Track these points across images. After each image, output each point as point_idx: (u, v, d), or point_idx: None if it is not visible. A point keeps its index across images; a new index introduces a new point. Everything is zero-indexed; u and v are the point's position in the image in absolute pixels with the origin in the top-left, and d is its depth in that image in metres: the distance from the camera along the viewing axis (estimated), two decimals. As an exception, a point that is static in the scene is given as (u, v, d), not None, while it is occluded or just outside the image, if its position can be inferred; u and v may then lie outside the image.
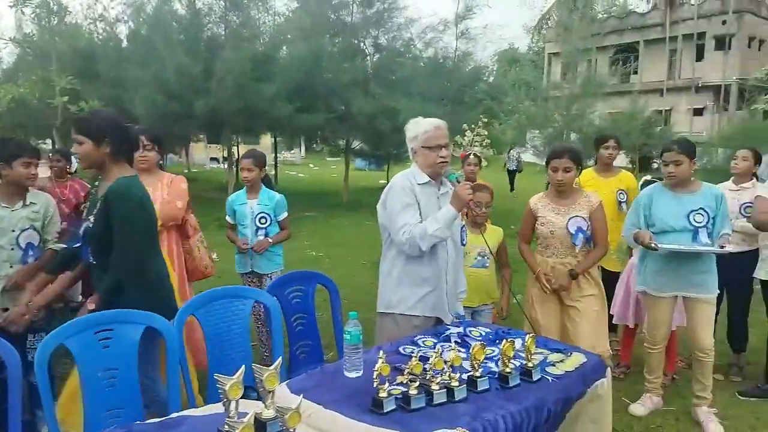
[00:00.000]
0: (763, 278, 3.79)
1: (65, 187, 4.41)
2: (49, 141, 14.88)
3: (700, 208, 3.31)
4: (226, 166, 14.47)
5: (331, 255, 8.38)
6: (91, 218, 2.51)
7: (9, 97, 8.36)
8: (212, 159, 28.27)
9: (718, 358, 3.67)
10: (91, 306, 2.43)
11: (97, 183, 2.66)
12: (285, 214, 3.99)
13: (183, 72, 11.21)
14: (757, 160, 4.22)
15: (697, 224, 3.30)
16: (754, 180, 4.18)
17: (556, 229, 3.31)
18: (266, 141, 25.86)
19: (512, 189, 17.89)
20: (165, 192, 3.32)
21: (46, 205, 3.12)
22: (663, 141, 23.52)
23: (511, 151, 18.12)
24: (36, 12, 10.78)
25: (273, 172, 18.33)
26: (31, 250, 3.01)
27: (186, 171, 22.58)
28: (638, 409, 3.57)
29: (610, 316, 3.98)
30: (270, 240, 3.87)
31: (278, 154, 21.46)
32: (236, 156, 18.09)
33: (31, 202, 3.04)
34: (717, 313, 3.68)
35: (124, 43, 14.33)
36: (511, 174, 18.44)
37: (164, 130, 11.90)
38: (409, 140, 2.83)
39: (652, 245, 3.27)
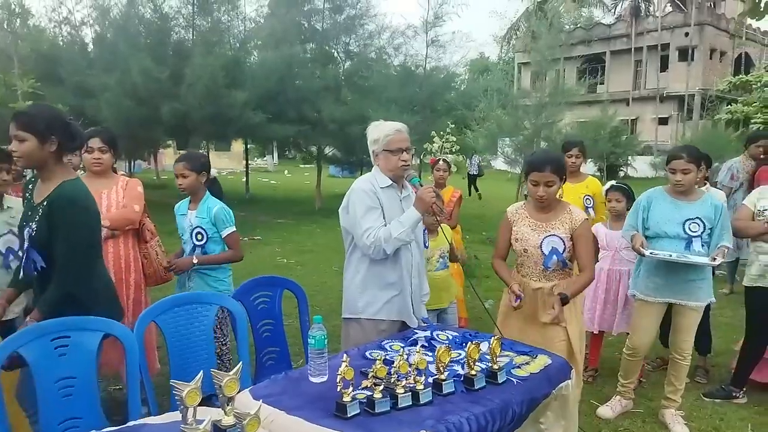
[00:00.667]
0: (746, 284, 3.80)
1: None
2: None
3: (697, 218, 3.30)
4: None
5: (303, 262, 8.31)
6: (33, 225, 2.36)
7: (-32, 100, 8.11)
8: (182, 166, 27.76)
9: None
10: (31, 324, 2.28)
11: (31, 184, 2.49)
12: (230, 229, 3.29)
13: (150, 76, 11.01)
14: (708, 165, 4.33)
15: (691, 233, 3.29)
16: (707, 185, 4.29)
17: (530, 248, 2.94)
18: (238, 147, 25.59)
19: (478, 193, 18.38)
20: (120, 196, 3.23)
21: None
22: (629, 149, 24.07)
23: (474, 157, 18.66)
24: (-4, 14, 10.53)
25: (244, 179, 18.15)
26: (11, 254, 2.90)
27: (155, 178, 22.19)
28: (606, 411, 3.60)
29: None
30: (194, 260, 3.24)
31: (251, 161, 21.25)
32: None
33: (8, 207, 2.95)
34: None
35: (90, 47, 14.04)
36: (472, 178, 19.05)
37: (130, 136, 11.69)
38: (370, 143, 2.83)
39: (642, 251, 3.27)
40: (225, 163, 31.34)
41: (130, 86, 11.17)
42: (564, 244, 2.89)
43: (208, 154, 18.58)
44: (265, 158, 35.21)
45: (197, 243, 3.28)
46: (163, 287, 3.72)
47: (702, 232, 3.31)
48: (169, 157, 29.02)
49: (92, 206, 2.45)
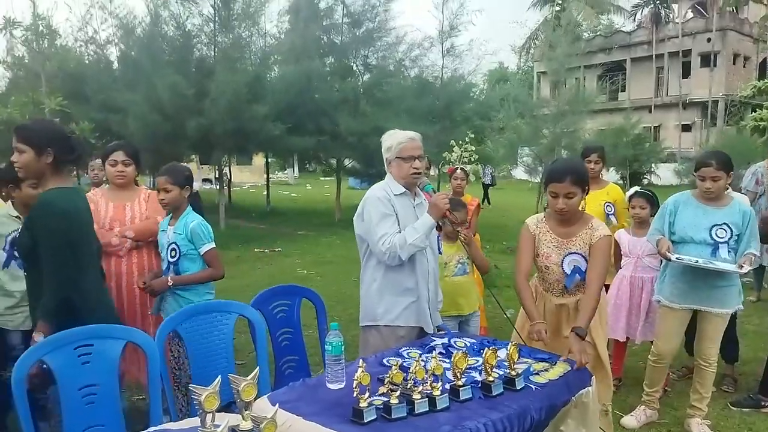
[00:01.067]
0: None
1: None
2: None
3: (724, 223, 3.25)
4: (217, 186, 14.52)
5: (322, 273, 8.35)
6: (20, 228, 2.48)
7: (-2, 118, 8.35)
8: (205, 180, 28.29)
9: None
10: (39, 338, 2.31)
11: None
12: (208, 246, 3.06)
13: (175, 92, 11.25)
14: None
15: (718, 239, 3.24)
16: (729, 189, 4.21)
17: (552, 265, 2.81)
18: (259, 161, 25.88)
19: (489, 203, 18.49)
20: (143, 207, 3.33)
21: None
22: (652, 157, 23.75)
23: (486, 166, 18.80)
24: (25, 34, 10.85)
25: (265, 192, 18.34)
26: None
27: (178, 192, 22.50)
28: (630, 421, 3.53)
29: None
30: (169, 281, 3.02)
31: (272, 175, 21.47)
32: (228, 176, 18.11)
33: None
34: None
35: (115, 65, 14.39)
36: (485, 188, 19.20)
37: (155, 150, 11.91)
38: (384, 151, 2.87)
39: (668, 255, 3.23)
40: (246, 177, 31.73)
41: (155, 102, 11.42)
42: (586, 262, 2.75)
43: (230, 167, 18.89)
44: (285, 172, 35.56)
45: (170, 260, 3.07)
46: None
47: (729, 239, 3.25)
48: (192, 171, 29.53)
49: (74, 212, 2.46)
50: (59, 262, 2.36)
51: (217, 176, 14.62)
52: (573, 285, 2.79)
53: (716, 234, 3.26)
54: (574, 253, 2.76)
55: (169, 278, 3.04)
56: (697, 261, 3.21)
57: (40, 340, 2.28)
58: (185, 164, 3.40)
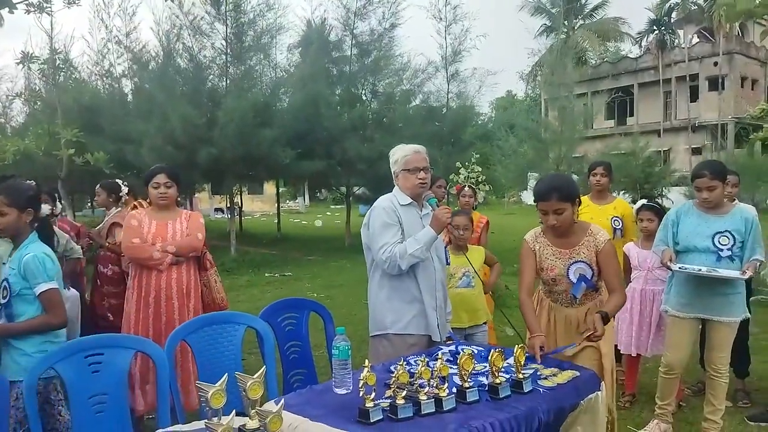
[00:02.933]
0: None
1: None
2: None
3: (726, 231, 3.27)
4: (229, 215, 14.67)
5: (332, 296, 8.36)
6: None
7: (14, 149, 8.54)
8: (217, 209, 28.57)
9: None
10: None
11: None
12: (45, 285, 2.44)
13: (187, 122, 11.46)
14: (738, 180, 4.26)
15: (721, 246, 3.26)
16: (736, 200, 4.20)
17: (558, 276, 2.80)
18: (271, 190, 26.10)
19: None
20: (184, 226, 3.44)
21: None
22: (663, 180, 23.60)
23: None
24: (42, 68, 11.15)
25: (276, 221, 18.46)
26: None
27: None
28: (644, 436, 3.48)
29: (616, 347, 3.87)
30: None
31: (283, 204, 21.63)
32: (239, 204, 18.27)
33: None
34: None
35: (129, 98, 14.72)
36: None
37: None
38: (392, 164, 2.97)
39: (669, 265, 3.24)
40: (258, 206, 32.00)
41: (168, 132, 11.63)
42: (591, 269, 2.75)
43: (241, 196, 19.07)
44: (296, 200, 35.82)
45: (1, 301, 2.48)
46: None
47: (732, 246, 3.25)
48: (203, 201, 29.87)
49: None
50: None
51: (228, 205, 14.76)
52: (580, 293, 2.77)
53: (719, 242, 3.27)
54: (579, 261, 2.75)
55: None
56: (699, 269, 3.22)
57: None
58: (29, 182, 2.86)
